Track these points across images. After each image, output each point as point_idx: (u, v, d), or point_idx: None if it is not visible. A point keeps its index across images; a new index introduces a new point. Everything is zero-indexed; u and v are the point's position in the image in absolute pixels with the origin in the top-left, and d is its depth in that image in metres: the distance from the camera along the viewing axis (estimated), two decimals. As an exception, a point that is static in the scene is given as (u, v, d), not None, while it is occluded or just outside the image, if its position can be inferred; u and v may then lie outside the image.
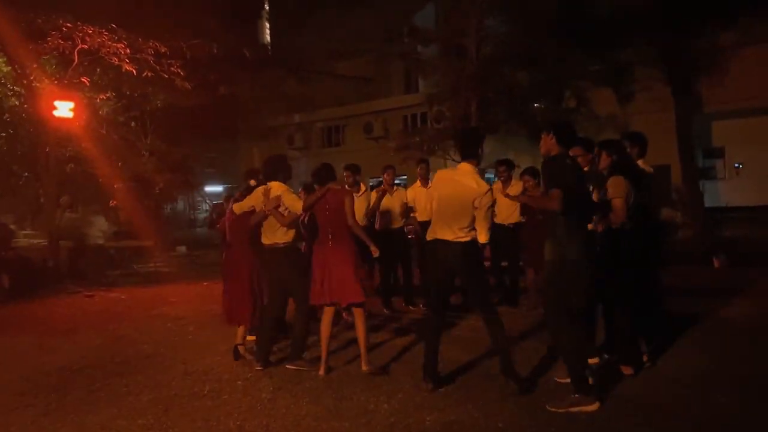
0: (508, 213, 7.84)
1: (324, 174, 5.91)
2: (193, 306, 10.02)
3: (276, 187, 5.94)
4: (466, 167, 5.11)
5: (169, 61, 13.38)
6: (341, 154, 26.15)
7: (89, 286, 12.61)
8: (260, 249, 6.17)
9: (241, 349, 6.43)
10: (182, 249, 20.60)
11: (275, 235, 5.99)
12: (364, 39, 26.62)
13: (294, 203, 5.87)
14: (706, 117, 18.80)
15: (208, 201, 34.17)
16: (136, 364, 6.49)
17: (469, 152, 5.19)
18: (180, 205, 33.75)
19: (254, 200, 6.13)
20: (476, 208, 4.95)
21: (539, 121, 14.53)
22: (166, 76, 13.63)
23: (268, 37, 36.82)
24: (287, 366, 5.93)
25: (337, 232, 5.70)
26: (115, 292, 12.08)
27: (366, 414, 4.71)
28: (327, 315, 5.79)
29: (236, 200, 6.50)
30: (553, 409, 4.56)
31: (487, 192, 4.99)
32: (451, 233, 4.98)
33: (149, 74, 13.45)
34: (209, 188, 36.52)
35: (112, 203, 16.77)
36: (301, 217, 6.30)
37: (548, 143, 4.87)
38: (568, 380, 4.74)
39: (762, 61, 17.24)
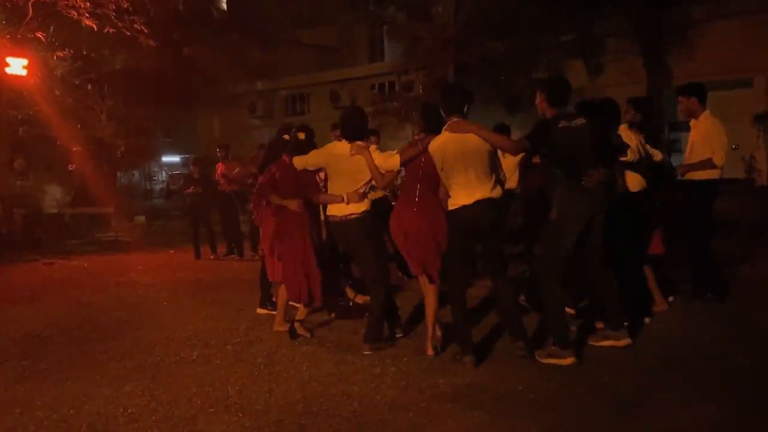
0: (507, 176, 7.47)
1: (434, 119, 4.88)
2: (162, 274, 9.53)
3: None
4: (458, 121, 4.66)
5: (131, 18, 12.63)
6: (307, 123, 25.56)
7: (46, 255, 11.95)
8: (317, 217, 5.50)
9: (297, 325, 5.51)
10: (141, 219, 19.90)
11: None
12: (327, 6, 25.91)
13: (387, 159, 4.91)
14: (673, 90, 18.92)
15: (165, 171, 33.11)
16: (111, 331, 6.04)
17: (456, 107, 4.71)
18: (135, 175, 32.62)
19: (323, 157, 5.22)
20: (492, 152, 4.61)
21: (513, 90, 14.37)
22: (129, 34, 12.87)
23: (224, 5, 35.66)
24: (365, 352, 4.93)
25: (428, 194, 4.85)
26: (75, 260, 11.47)
27: (374, 378, 4.41)
28: (432, 292, 4.88)
29: (259, 157, 5.89)
30: (539, 358, 4.55)
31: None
32: (477, 193, 4.55)
33: (111, 31, 12.68)
34: (166, 158, 35.43)
35: (70, 167, 15.89)
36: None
37: (540, 104, 4.73)
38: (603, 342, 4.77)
39: (731, 35, 17.34)
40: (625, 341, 4.80)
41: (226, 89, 25.86)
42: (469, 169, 4.55)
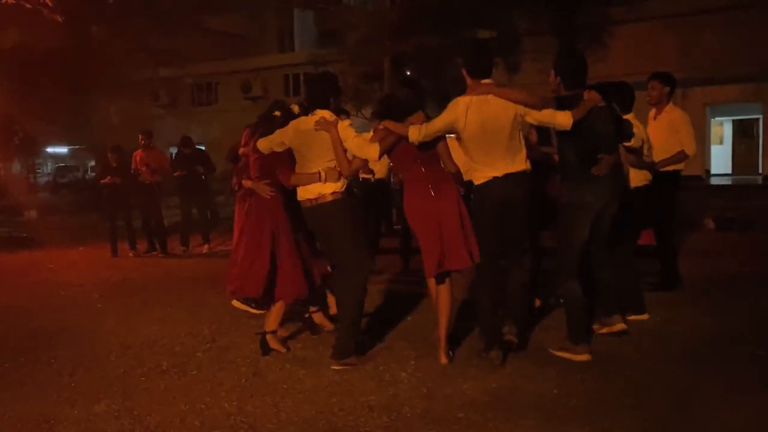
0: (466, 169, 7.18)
1: (410, 100, 4.33)
2: (82, 273, 8.54)
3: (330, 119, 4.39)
4: (487, 84, 4.21)
5: (33, -13, 11.35)
6: (215, 113, 24.41)
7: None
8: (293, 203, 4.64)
9: (269, 338, 4.64)
10: (32, 213, 18.24)
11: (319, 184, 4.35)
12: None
13: (362, 146, 4.25)
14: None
15: (51, 162, 30.62)
16: (49, 339, 5.20)
17: (484, 69, 4.27)
18: (16, 167, 29.95)
19: (287, 135, 4.50)
20: (524, 115, 4.18)
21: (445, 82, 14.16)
22: (30, 6, 11.56)
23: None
24: (333, 367, 4.23)
25: (438, 179, 4.28)
26: (-31, 258, 10.15)
27: (387, 385, 3.93)
28: (447, 289, 4.36)
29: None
30: (553, 351, 4.38)
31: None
32: (507, 166, 4.18)
33: (8, 2, 11.32)
34: (52, 149, 32.84)
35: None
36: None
37: (555, 85, 4.47)
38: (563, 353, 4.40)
39: (642, 38, 18.08)
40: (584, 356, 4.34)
41: (125, 75, 24.17)
42: (500, 136, 4.16)
